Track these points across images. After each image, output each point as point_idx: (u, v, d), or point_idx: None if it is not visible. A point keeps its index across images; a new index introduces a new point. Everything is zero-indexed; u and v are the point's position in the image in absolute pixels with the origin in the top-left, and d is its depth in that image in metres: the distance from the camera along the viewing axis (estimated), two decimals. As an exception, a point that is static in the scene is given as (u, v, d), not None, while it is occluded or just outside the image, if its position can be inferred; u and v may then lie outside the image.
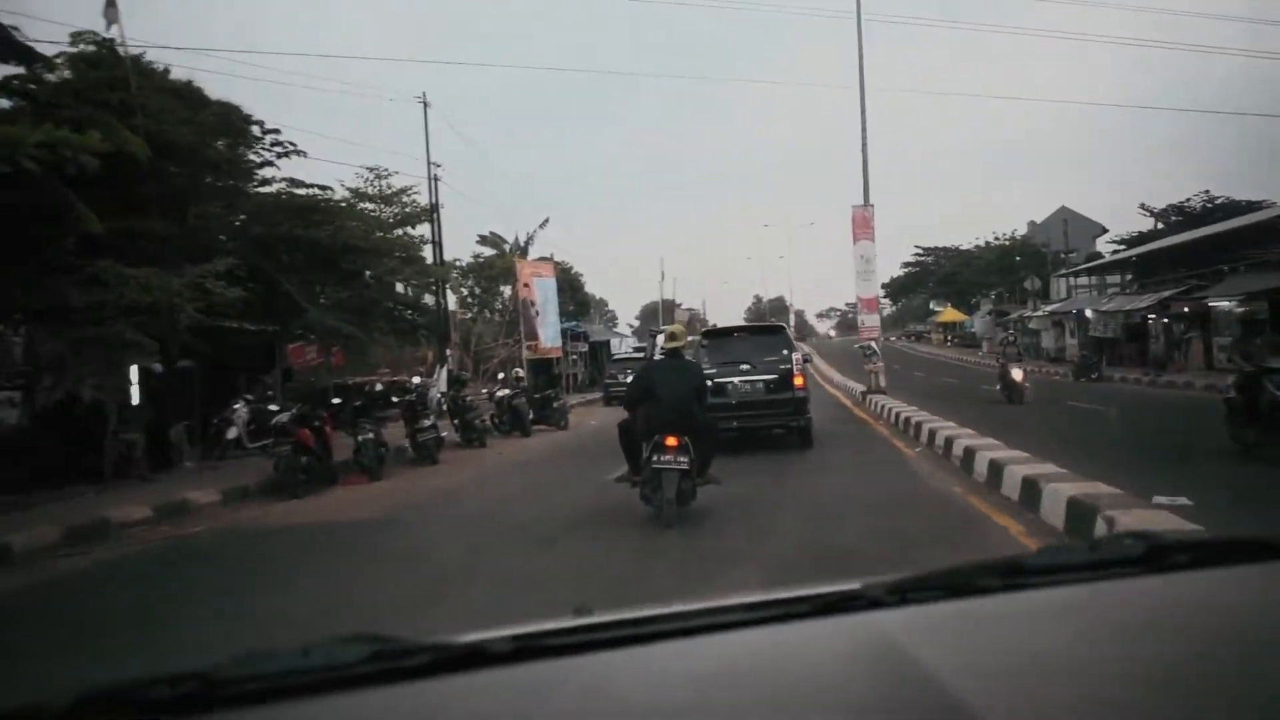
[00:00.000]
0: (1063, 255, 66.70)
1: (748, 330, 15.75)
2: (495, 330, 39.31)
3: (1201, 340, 28.63)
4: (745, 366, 13.90)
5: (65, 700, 1.03)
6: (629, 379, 13.59)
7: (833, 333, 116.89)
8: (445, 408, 18.81)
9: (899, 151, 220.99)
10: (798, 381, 13.76)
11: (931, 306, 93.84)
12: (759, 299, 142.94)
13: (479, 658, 1.12)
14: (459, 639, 1.16)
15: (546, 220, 46.04)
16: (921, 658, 1.10)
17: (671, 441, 8.00)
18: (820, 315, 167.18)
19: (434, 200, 24.35)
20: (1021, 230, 74.08)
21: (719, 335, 15.26)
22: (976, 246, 75.10)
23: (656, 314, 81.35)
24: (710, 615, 1.25)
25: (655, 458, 8.04)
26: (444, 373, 23.96)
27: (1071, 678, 1.07)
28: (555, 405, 20.86)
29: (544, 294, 34.43)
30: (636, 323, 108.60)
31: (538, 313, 33.81)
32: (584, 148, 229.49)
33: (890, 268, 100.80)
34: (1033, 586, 1.36)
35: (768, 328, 16.05)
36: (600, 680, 1.12)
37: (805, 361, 15.05)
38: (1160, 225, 51.07)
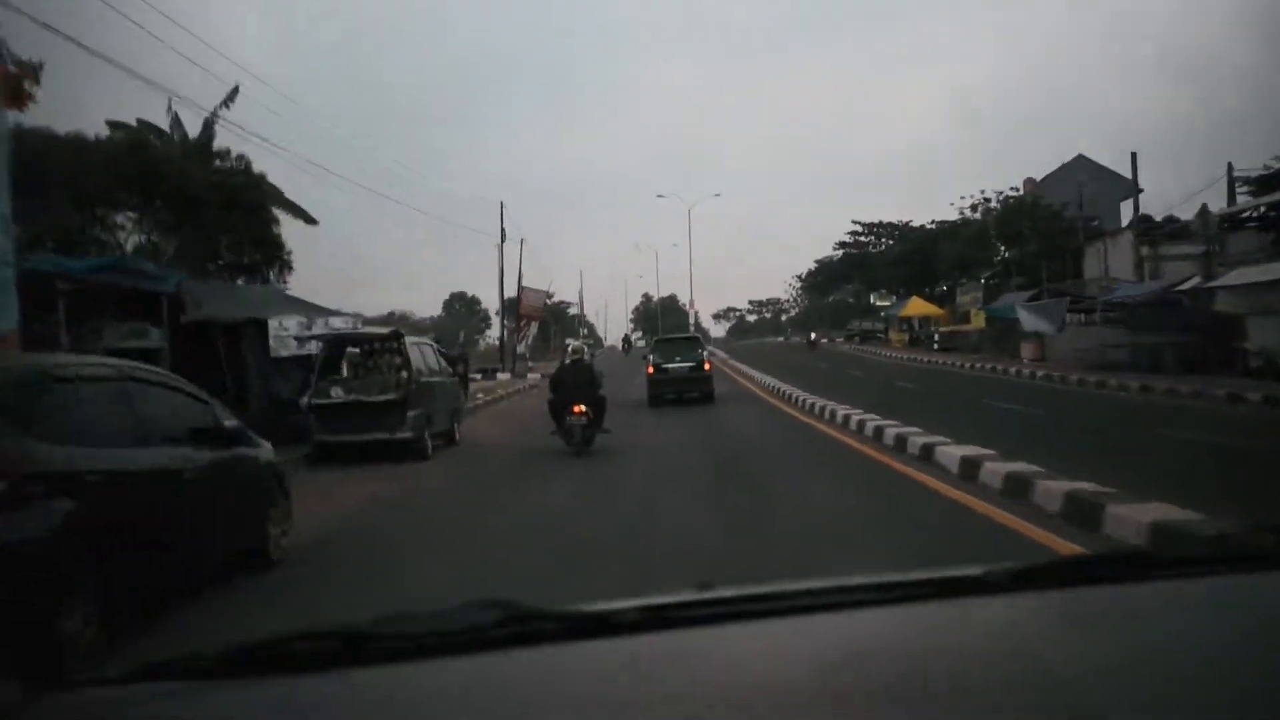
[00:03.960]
0: (1094, 221, 45.79)
1: (681, 339, 25.72)
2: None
3: None
4: (679, 359, 22.48)
5: (215, 651, 1.13)
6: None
7: (794, 335, 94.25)
8: None
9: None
10: (706, 366, 22.46)
11: (873, 300, 71.93)
12: (648, 298, 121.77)
13: (606, 627, 1.16)
14: (587, 608, 1.21)
15: (235, 89, 21.30)
16: (1042, 648, 1.12)
17: (578, 409, 13.07)
18: (717, 316, 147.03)
19: None
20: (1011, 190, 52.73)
21: (665, 341, 24.77)
22: (958, 217, 53.08)
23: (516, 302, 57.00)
24: (831, 595, 1.26)
25: (568, 418, 13.08)
26: None
27: (1207, 677, 1.03)
28: None
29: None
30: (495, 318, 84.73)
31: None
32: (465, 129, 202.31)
33: (802, 259, 78.78)
34: (1157, 578, 1.33)
35: (691, 338, 26.67)
36: (722, 653, 1.15)
37: (712, 355, 26.73)
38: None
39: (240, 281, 20.48)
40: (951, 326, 52.67)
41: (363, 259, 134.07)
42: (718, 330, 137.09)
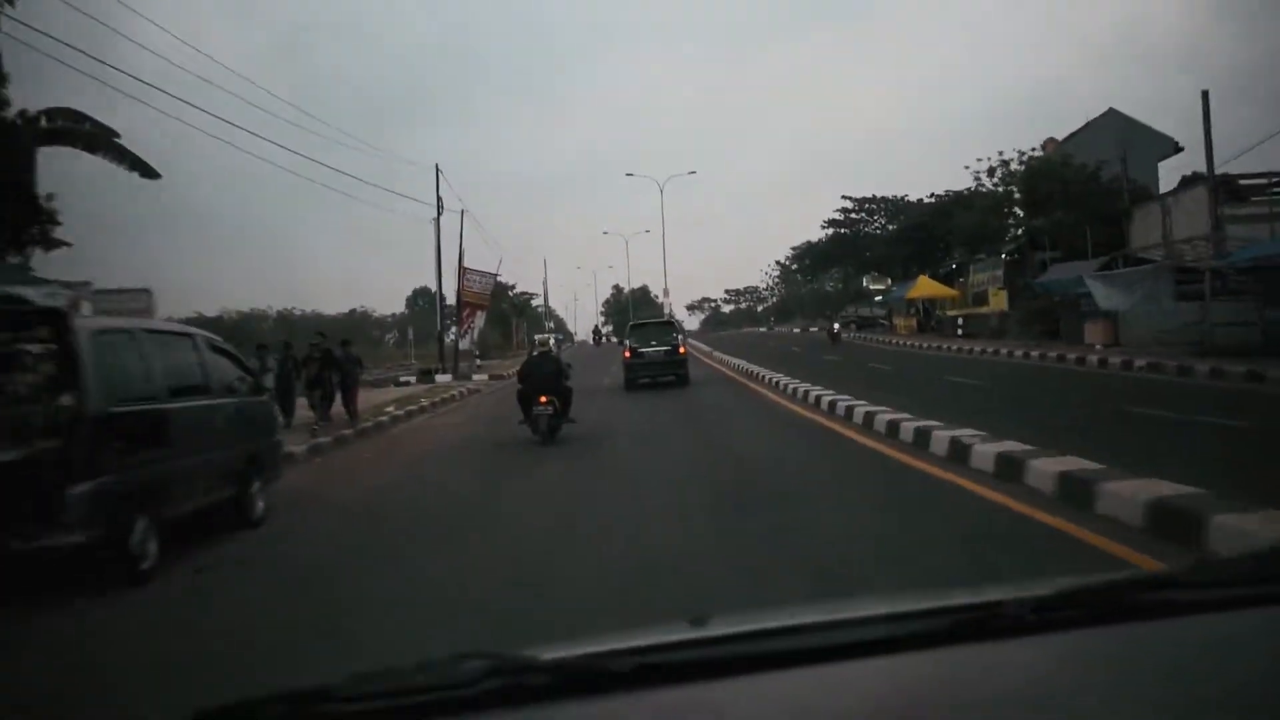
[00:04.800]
0: (1135, 181, 38.94)
1: (656, 324, 25.99)
2: None
3: None
4: (654, 343, 23.41)
5: (185, 717, 1.04)
6: None
7: (776, 324, 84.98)
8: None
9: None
10: (681, 350, 23.62)
11: (865, 284, 64.94)
12: (619, 289, 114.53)
13: (601, 678, 1.09)
14: (578, 651, 1.13)
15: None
16: (1073, 700, 1.05)
17: (544, 400, 13.16)
18: (691, 307, 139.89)
19: None
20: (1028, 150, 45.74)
21: (640, 326, 25.22)
22: (973, 184, 45.93)
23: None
24: (838, 630, 1.19)
25: (535, 408, 13.17)
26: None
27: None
28: None
29: None
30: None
31: None
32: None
33: (780, 247, 71.14)
34: (1194, 610, 1.22)
35: (666, 322, 27.61)
36: (727, 713, 1.08)
37: (686, 339, 29.10)
38: None
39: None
40: (966, 309, 45.79)
41: (326, 257, 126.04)
42: (691, 322, 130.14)
